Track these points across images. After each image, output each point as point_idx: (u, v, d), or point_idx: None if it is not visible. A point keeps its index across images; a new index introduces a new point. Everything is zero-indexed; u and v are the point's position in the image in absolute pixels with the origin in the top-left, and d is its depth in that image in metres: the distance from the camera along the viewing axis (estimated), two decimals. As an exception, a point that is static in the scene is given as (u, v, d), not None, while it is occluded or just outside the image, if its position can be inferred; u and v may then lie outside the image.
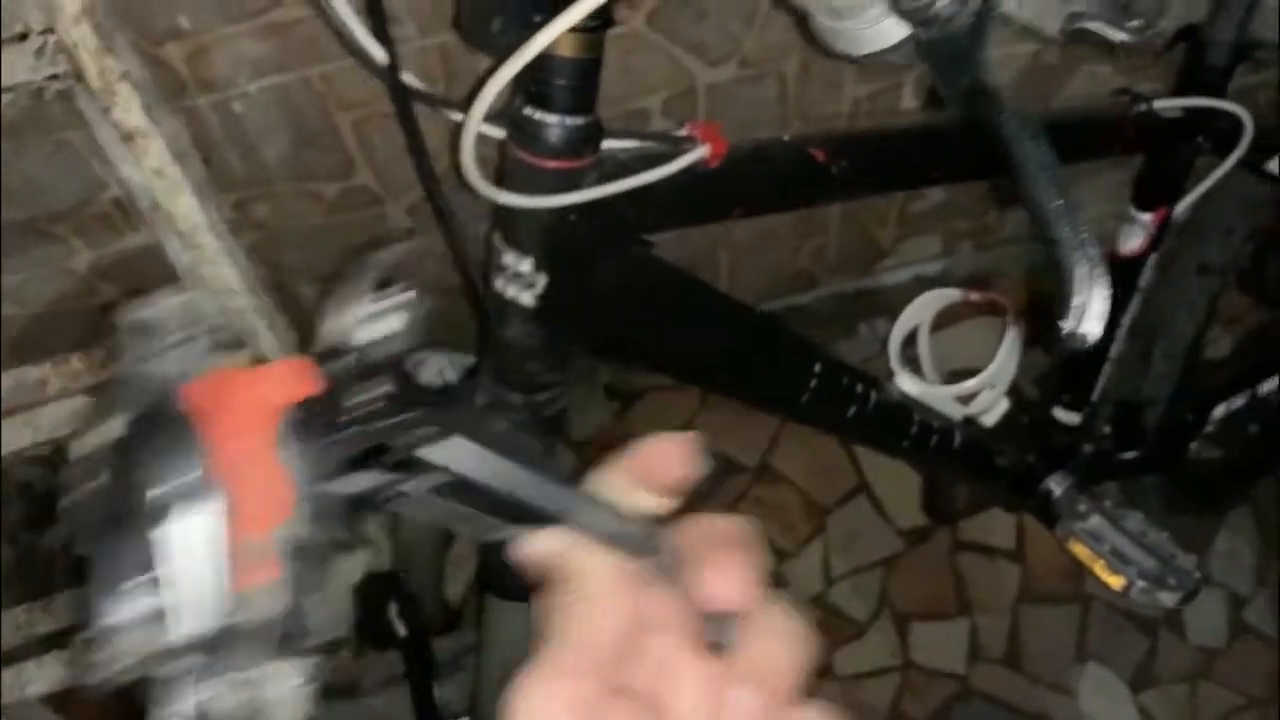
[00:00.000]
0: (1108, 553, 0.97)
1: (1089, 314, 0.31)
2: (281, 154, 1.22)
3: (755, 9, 1.21)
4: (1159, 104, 0.92)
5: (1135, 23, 0.35)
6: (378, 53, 0.63)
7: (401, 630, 0.92)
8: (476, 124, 0.58)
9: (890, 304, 1.65)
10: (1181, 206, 1.04)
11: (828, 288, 1.64)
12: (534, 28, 0.54)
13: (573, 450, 1.60)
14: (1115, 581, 0.97)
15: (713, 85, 1.29)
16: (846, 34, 0.40)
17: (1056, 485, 1.05)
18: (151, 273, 1.33)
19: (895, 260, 1.63)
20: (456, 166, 0.63)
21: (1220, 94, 0.96)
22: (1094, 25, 0.35)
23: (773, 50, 1.27)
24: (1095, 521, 1.00)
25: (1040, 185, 0.31)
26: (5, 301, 1.32)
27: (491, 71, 0.54)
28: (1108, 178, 1.59)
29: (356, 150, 1.24)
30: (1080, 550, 0.99)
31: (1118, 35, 0.35)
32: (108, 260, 1.29)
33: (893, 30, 0.38)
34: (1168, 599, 0.96)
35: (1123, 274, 1.09)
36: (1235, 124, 0.96)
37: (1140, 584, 0.96)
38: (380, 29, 0.61)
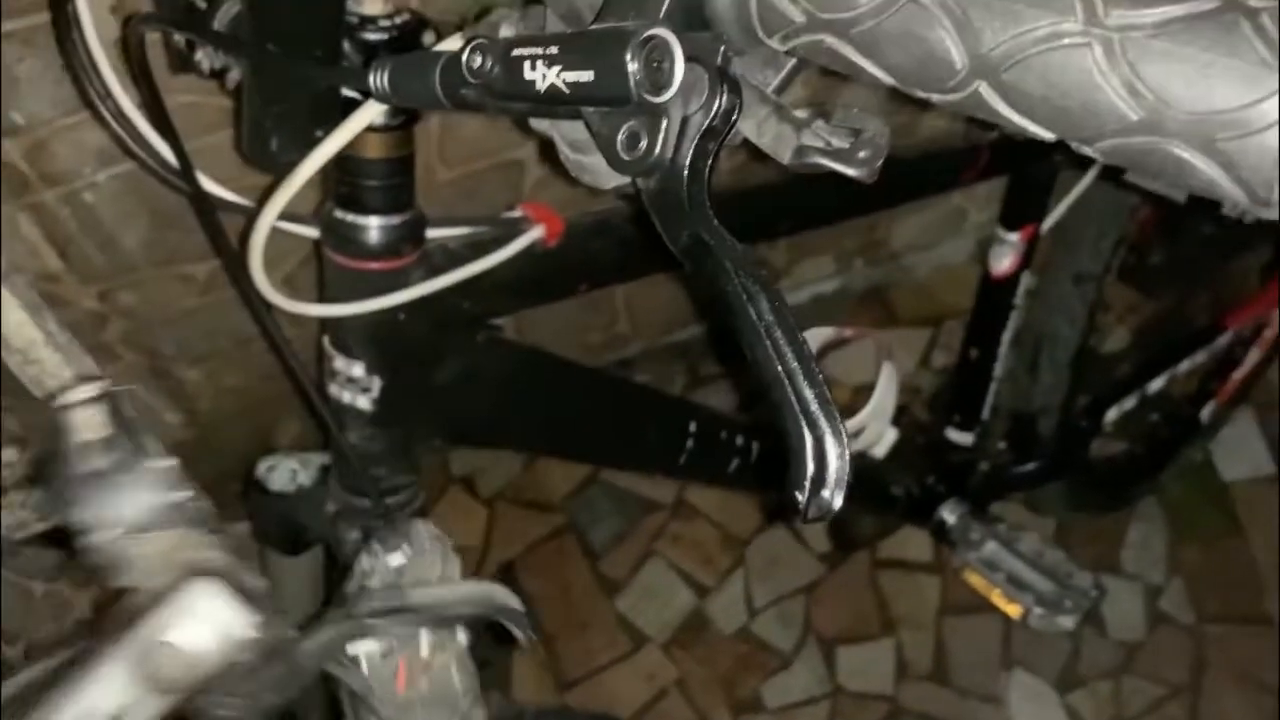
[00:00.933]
0: (1003, 581, 0.97)
1: (827, 484, 0.29)
2: (142, 240, 1.18)
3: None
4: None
5: (863, 154, 0.33)
6: (170, 156, 0.60)
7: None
8: (258, 253, 0.55)
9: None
10: (1048, 223, 1.05)
11: (726, 317, 1.63)
12: (314, 143, 0.51)
13: (483, 506, 1.58)
14: (1013, 610, 0.97)
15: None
16: (590, 167, 0.39)
17: (950, 514, 1.05)
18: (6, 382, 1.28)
19: (791, 282, 1.63)
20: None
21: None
22: (824, 160, 0.34)
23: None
24: (990, 549, 1.00)
25: (769, 348, 0.29)
26: None
27: (271, 189, 0.52)
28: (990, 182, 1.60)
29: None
30: (976, 580, 0.99)
31: (848, 170, 0.34)
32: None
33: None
34: (1066, 622, 0.96)
35: (998, 293, 1.09)
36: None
37: (1038, 610, 0.96)
38: (167, 130, 0.59)
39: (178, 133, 0.59)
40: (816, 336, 1.01)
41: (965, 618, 1.50)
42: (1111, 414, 1.25)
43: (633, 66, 0.30)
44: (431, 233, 0.66)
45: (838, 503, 0.29)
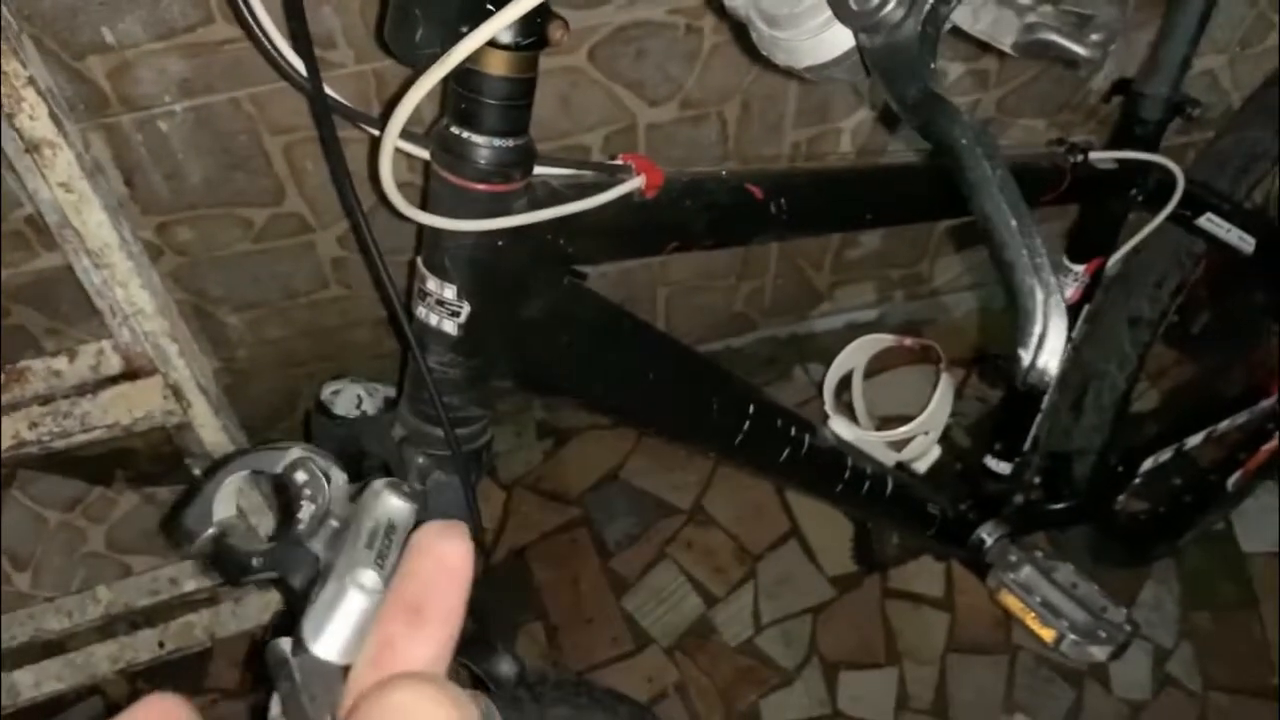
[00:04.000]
0: (1039, 604, 0.97)
1: (1046, 346, 0.29)
2: (208, 177, 1.18)
3: (696, 51, 1.21)
4: (1094, 156, 0.93)
5: (1096, 36, 0.34)
6: (299, 64, 0.61)
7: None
8: (394, 138, 0.55)
9: (824, 349, 1.65)
10: (1114, 260, 1.05)
11: (763, 331, 1.63)
12: (459, 39, 0.52)
13: (501, 490, 1.57)
14: (1047, 634, 0.96)
15: (653, 125, 1.28)
16: (786, 45, 0.39)
17: (988, 535, 1.05)
18: (65, 297, 1.28)
19: (830, 306, 1.64)
20: (379, 187, 0.61)
21: (1153, 149, 0.97)
22: (1053, 37, 0.34)
23: (714, 93, 1.26)
24: (1026, 573, 0.99)
25: (995, 200, 0.29)
26: (-92, 320, 1.26)
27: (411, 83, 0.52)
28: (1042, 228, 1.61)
29: (287, 176, 1.21)
30: (1011, 601, 0.99)
31: (1078, 49, 0.34)
32: (19, 281, 1.24)
33: (835, 42, 0.36)
34: (1099, 652, 0.95)
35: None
36: (1168, 179, 0.97)
37: (1071, 637, 0.95)
38: (303, 41, 0.59)
39: (308, 31, 0.59)
40: (875, 342, 1.01)
41: (971, 657, 1.49)
42: (1147, 464, 1.25)
43: None
44: (537, 170, 0.66)
45: (1054, 370, 0.29)
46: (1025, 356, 0.29)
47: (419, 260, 0.67)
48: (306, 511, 0.36)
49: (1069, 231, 1.07)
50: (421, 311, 0.67)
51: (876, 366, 1.07)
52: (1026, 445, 1.16)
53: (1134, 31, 1.26)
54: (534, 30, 0.58)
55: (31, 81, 0.73)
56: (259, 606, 1.16)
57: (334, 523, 0.36)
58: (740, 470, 1.44)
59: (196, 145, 1.15)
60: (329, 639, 0.30)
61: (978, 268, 1.65)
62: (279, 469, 0.37)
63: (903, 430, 0.97)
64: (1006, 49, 0.36)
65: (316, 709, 0.30)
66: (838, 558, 1.53)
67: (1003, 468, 1.16)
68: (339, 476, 0.37)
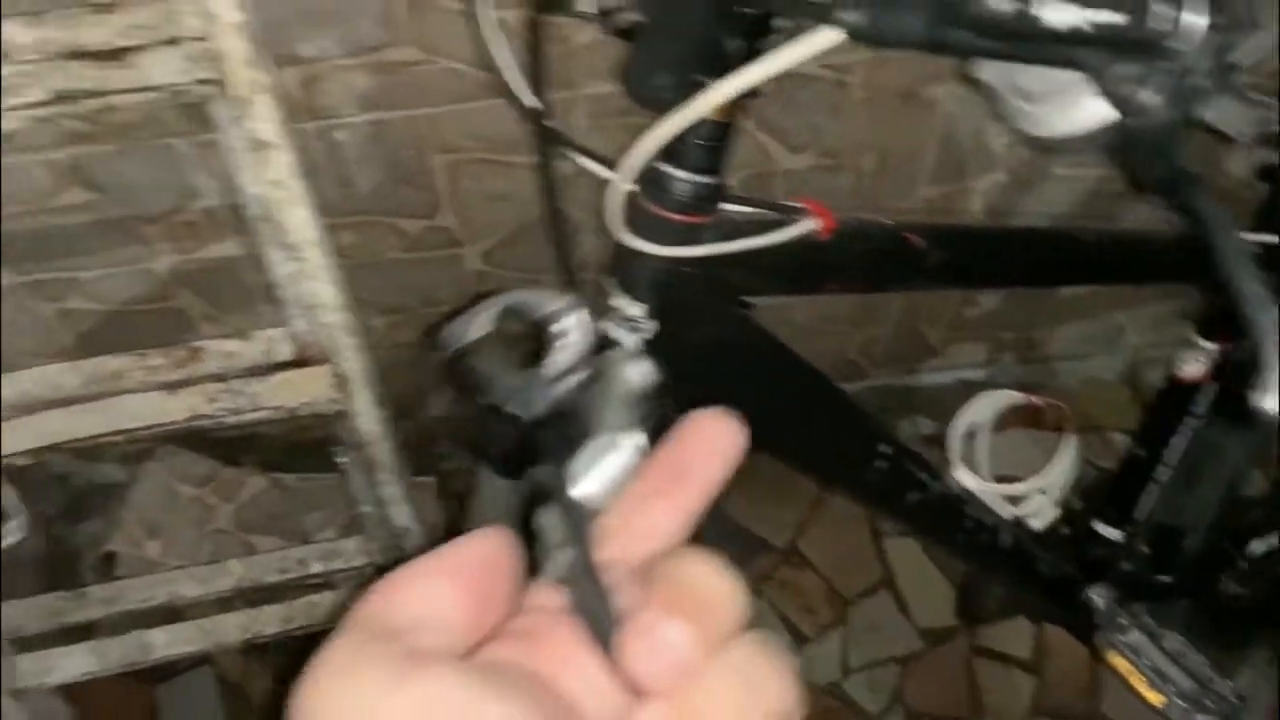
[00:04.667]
0: (1148, 668, 0.98)
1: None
2: (374, 186, 1.26)
3: (842, 104, 1.26)
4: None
5: None
6: (529, 98, 0.67)
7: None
8: (632, 174, 0.61)
9: (931, 404, 1.67)
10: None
11: (873, 380, 1.66)
12: (695, 87, 0.57)
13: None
14: (1155, 698, 0.97)
15: (790, 170, 1.33)
16: (1036, 117, 0.43)
17: (1099, 596, 1.06)
18: (227, 285, 1.36)
19: (941, 362, 1.66)
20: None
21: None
22: None
23: (853, 144, 1.31)
24: (1136, 636, 1.01)
25: (1245, 269, 0.33)
26: (79, 296, 1.35)
27: (655, 124, 0.58)
28: (1156, 305, 1.63)
29: (446, 192, 1.28)
30: (1120, 663, 1.00)
31: None
32: (188, 268, 1.33)
33: (1085, 118, 0.40)
34: (1204, 721, 0.96)
35: (1178, 397, 1.11)
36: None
37: (1179, 703, 0.96)
38: (537, 80, 0.65)
39: (543, 70, 0.65)
40: (1005, 398, 1.04)
41: (1056, 723, 1.49)
42: (1256, 546, 1.25)
43: (1172, 14, 0.35)
44: (723, 206, 0.71)
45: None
46: (1255, 398, 0.33)
47: (607, 279, 0.73)
48: (560, 357, 0.37)
49: (1204, 307, 1.09)
50: (606, 326, 0.72)
51: (1006, 411, 1.10)
52: (1138, 514, 1.17)
53: None
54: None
55: (266, 89, 0.80)
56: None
57: (579, 378, 0.37)
58: (867, 507, 1.46)
59: (368, 156, 1.23)
60: (590, 484, 0.31)
61: (1092, 338, 1.66)
62: (544, 311, 0.38)
63: (1025, 485, 0.99)
64: (1240, 138, 0.40)
65: (565, 544, 0.30)
66: (928, 610, 1.55)
67: (1112, 534, 1.17)
68: (592, 338, 0.38)
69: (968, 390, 1.72)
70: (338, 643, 0.26)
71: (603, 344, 0.64)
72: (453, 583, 0.28)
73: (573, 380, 0.36)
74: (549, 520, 0.30)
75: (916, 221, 0.81)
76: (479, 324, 0.38)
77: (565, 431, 0.34)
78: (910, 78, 1.23)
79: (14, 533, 0.93)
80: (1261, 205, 1.01)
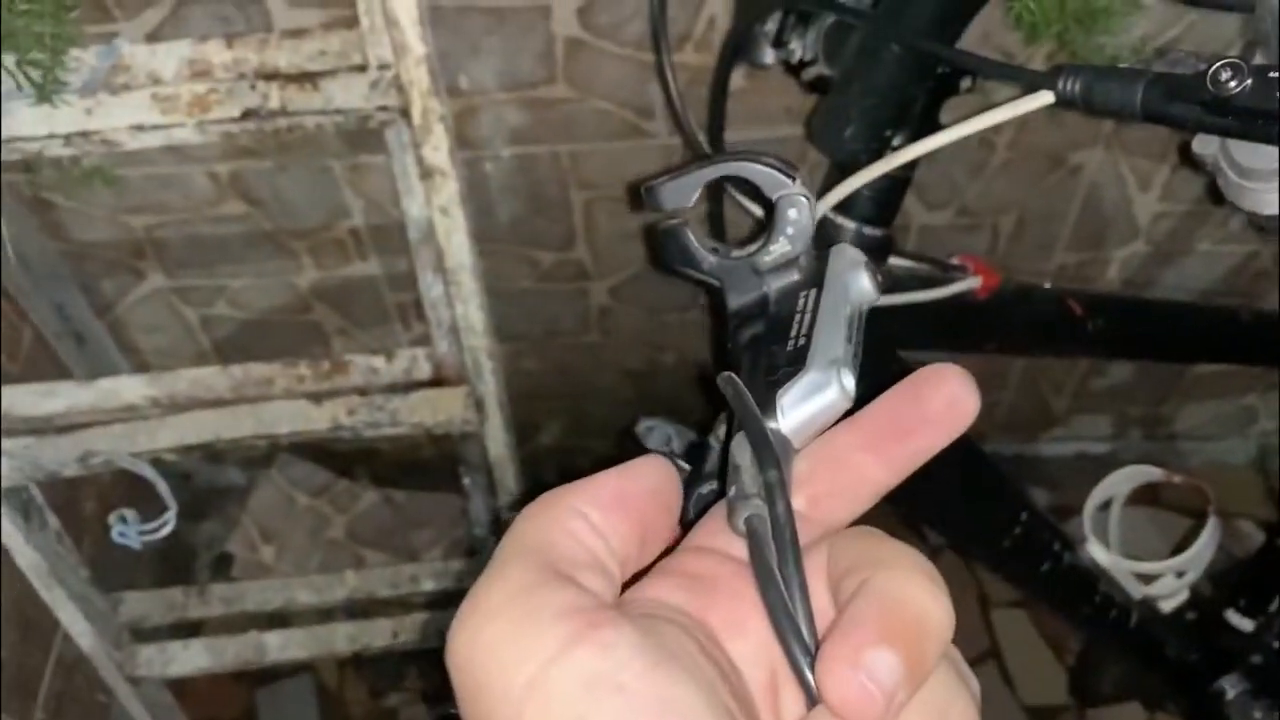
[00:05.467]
0: (1281, 767, 0.94)
1: None
2: (513, 216, 1.29)
3: (985, 163, 1.25)
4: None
5: None
6: (703, 142, 0.68)
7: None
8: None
9: (1050, 475, 1.64)
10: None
11: (992, 445, 1.64)
12: (883, 141, 0.58)
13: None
14: (1289, 798, 0.93)
15: (926, 226, 1.33)
16: (1253, 194, 0.43)
17: (1232, 687, 1.02)
18: (363, 303, 1.41)
19: (1063, 432, 1.63)
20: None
21: None
22: None
23: (992, 205, 1.30)
24: (1270, 732, 0.97)
25: None
26: (224, 303, 1.41)
27: (843, 176, 0.58)
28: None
29: (581, 227, 1.31)
30: (1253, 757, 0.96)
31: None
32: (329, 283, 1.37)
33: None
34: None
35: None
36: None
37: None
38: (717, 126, 0.66)
39: (724, 115, 0.67)
40: (1143, 474, 1.01)
41: (1163, 816, 1.43)
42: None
43: None
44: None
45: None
46: None
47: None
48: (780, 248, 0.33)
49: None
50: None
51: (1144, 488, 1.07)
52: (1274, 607, 1.13)
53: None
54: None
55: (442, 119, 0.83)
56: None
57: (796, 275, 0.33)
58: (997, 573, 1.43)
59: (511, 188, 1.26)
60: (795, 421, 0.28)
61: (1224, 419, 1.61)
62: (775, 195, 0.33)
63: (1163, 565, 0.97)
64: None
65: (753, 493, 0.27)
66: (1035, 687, 1.50)
67: (1245, 624, 1.13)
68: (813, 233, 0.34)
69: (1089, 463, 1.69)
70: (501, 575, 0.24)
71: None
72: (621, 515, 0.26)
73: (790, 277, 0.33)
74: (743, 455, 0.28)
75: (1077, 289, 0.80)
76: (691, 186, 0.34)
77: (770, 337, 0.32)
78: (1058, 142, 1.22)
79: (168, 524, 0.97)
80: None
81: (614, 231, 1.32)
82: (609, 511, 0.26)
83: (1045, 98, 0.46)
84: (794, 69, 0.63)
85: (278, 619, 1.38)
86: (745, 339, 0.33)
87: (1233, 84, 0.38)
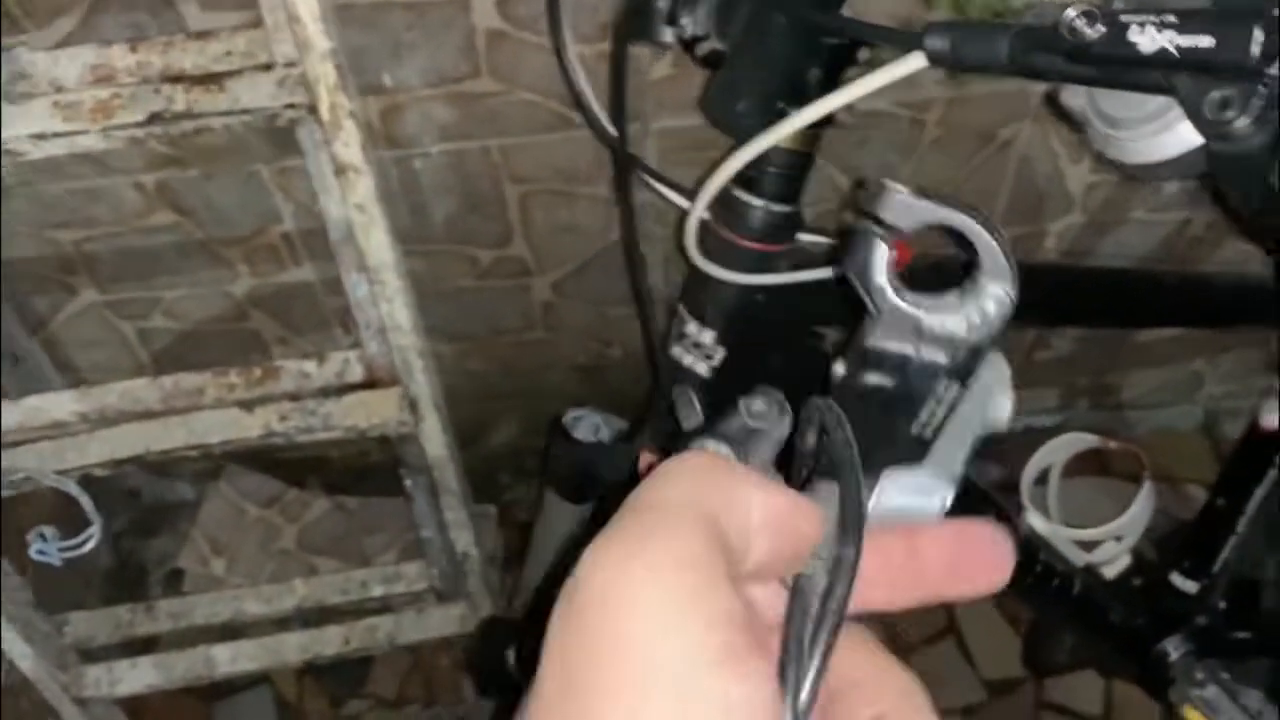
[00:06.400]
0: (1225, 725, 0.95)
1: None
2: (448, 215, 1.28)
3: (916, 143, 1.26)
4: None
5: None
6: (610, 128, 0.68)
7: (518, 678, 0.93)
8: (705, 202, 0.61)
9: (997, 450, 1.64)
10: (1332, 389, 1.04)
11: (940, 423, 1.64)
12: (778, 114, 0.57)
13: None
14: (1231, 756, 0.94)
15: (862, 208, 1.33)
16: (1122, 144, 0.43)
17: (1174, 649, 1.03)
18: (300, 309, 1.39)
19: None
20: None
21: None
22: None
23: (925, 182, 1.30)
24: (1213, 692, 0.98)
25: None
26: (160, 315, 1.39)
27: (730, 151, 0.58)
28: (1236, 354, 1.59)
29: (518, 222, 1.30)
30: (1195, 717, 0.97)
31: None
32: (264, 290, 1.36)
33: (1171, 144, 0.40)
34: (1284, 784, 0.92)
35: (1262, 448, 1.08)
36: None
37: (1258, 762, 0.93)
38: (618, 108, 0.66)
39: (625, 103, 0.66)
40: (1079, 441, 1.02)
41: (1123, 782, 1.44)
42: (1340, 605, 1.20)
43: (1259, 36, 0.34)
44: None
45: None
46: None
47: (680, 305, 0.73)
48: (955, 327, 0.31)
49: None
50: (676, 350, 0.72)
51: (1081, 455, 1.08)
52: (1216, 567, 1.14)
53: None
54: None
55: (352, 114, 0.82)
56: (441, 618, 1.22)
57: (945, 359, 0.31)
58: None
59: (444, 186, 1.25)
60: (885, 509, 0.28)
61: (1171, 386, 1.62)
62: (985, 280, 0.31)
63: (1100, 530, 0.97)
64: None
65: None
66: (993, 661, 1.51)
67: (1189, 586, 1.14)
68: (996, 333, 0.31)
69: (1037, 437, 1.70)
70: (672, 531, 0.23)
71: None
72: (773, 534, 0.25)
73: (939, 357, 0.32)
74: (822, 503, 0.27)
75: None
76: (918, 214, 0.32)
77: (898, 405, 0.30)
78: (987, 118, 1.22)
79: (91, 539, 0.95)
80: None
81: (552, 225, 1.31)
82: (769, 525, 0.25)
83: (918, 59, 0.46)
84: (689, 45, 0.63)
85: (232, 631, 1.36)
86: (867, 385, 0.31)
87: (1088, 31, 0.38)
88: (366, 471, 1.57)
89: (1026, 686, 1.49)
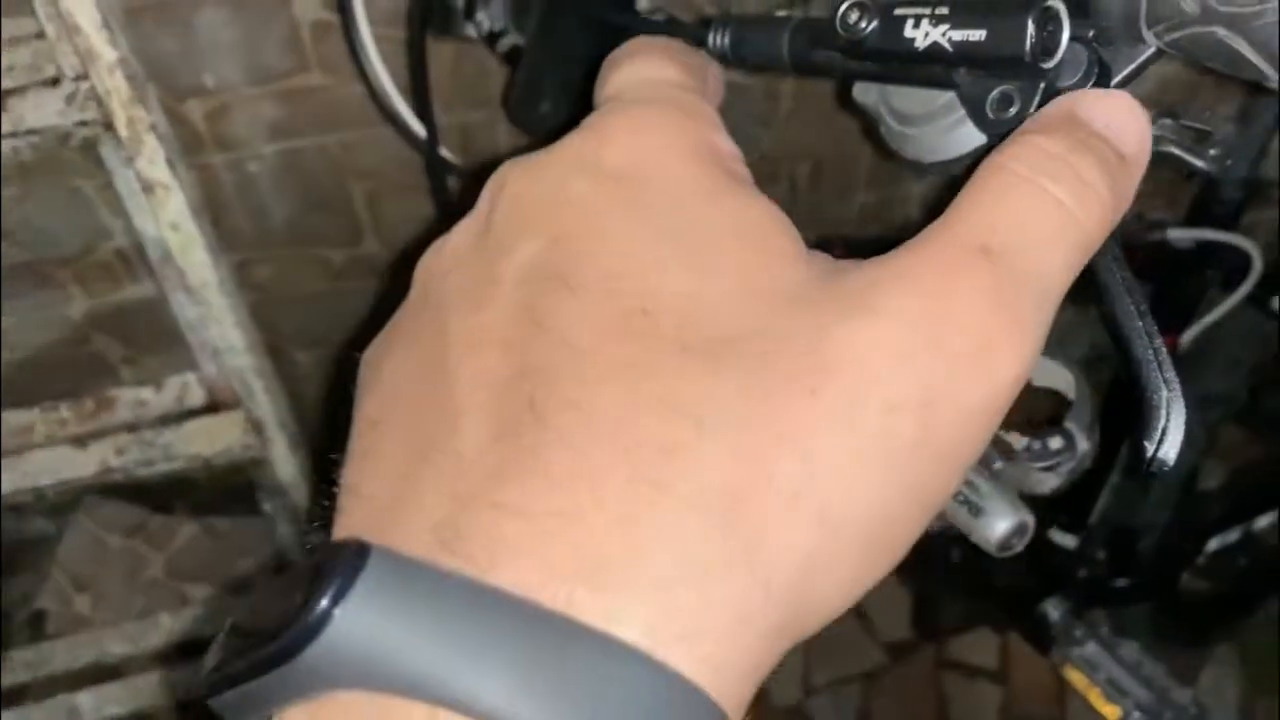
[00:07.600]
0: (1104, 681, 0.95)
1: (1168, 439, 0.30)
2: (290, 217, 1.22)
3: (773, 114, 1.23)
4: (1172, 233, 0.93)
5: (1214, 151, 0.35)
6: (417, 128, 0.63)
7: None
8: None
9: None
10: (1187, 337, 1.05)
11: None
12: (584, 113, 0.53)
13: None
14: (1111, 712, 0.95)
15: (725, 183, 1.30)
16: (914, 140, 0.40)
17: (1053, 609, 1.04)
18: (146, 327, 1.31)
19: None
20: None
21: (1231, 229, 0.97)
22: (1175, 150, 0.35)
23: (787, 152, 1.28)
24: (1091, 648, 0.98)
25: (1124, 306, 0.30)
26: (-3, 344, 1.30)
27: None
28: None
29: (367, 219, 1.24)
30: (1076, 677, 0.98)
31: (1198, 162, 0.35)
32: (103, 310, 1.27)
33: (962, 141, 0.37)
34: (1164, 734, 0.94)
35: (1125, 400, 1.09)
36: (1245, 260, 0.97)
37: (1136, 715, 0.94)
38: (423, 105, 0.61)
39: (429, 92, 0.61)
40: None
41: (1024, 732, 1.47)
42: (1213, 544, 1.23)
43: (1031, 29, 0.32)
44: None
45: (1173, 460, 0.30)
46: (1149, 448, 0.30)
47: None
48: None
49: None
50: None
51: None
52: (1092, 519, 1.15)
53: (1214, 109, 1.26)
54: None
55: (153, 128, 0.76)
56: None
57: None
58: None
59: (282, 186, 1.18)
60: None
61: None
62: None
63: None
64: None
65: None
66: (891, 625, 1.52)
67: (1068, 541, 1.15)
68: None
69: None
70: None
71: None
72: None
73: None
74: None
75: (841, 235, 0.78)
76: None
77: None
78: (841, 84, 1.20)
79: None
80: (1194, 200, 0.99)
81: (403, 219, 1.25)
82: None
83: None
84: (490, 40, 0.58)
85: (111, 672, 1.29)
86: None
87: (862, 24, 0.35)
88: (236, 491, 1.50)
89: (926, 648, 1.51)
